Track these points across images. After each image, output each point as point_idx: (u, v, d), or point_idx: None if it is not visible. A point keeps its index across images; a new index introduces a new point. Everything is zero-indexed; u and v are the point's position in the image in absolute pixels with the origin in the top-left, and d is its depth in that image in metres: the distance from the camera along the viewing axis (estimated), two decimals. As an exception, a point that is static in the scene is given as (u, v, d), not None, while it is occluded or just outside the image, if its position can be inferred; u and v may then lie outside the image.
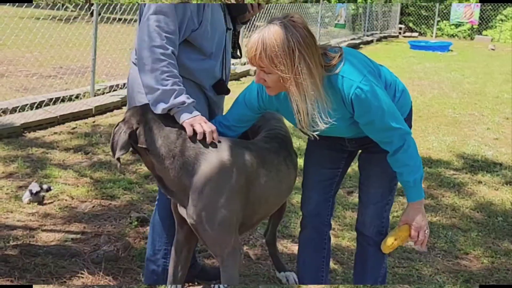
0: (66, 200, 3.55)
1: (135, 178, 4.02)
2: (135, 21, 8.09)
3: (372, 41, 16.13)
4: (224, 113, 2.27)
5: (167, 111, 1.99)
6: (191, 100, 2.01)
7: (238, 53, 2.40)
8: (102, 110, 5.95)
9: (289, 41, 1.77)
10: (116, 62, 8.15)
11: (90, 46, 7.96)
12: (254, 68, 1.90)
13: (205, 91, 2.23)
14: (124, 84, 6.96)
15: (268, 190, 2.11)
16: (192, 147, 1.95)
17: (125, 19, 8.17)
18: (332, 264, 2.77)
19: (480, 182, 4.36)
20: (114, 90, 6.64)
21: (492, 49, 15.27)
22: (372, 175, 2.21)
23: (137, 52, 2.05)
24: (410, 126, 2.19)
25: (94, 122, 5.60)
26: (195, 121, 1.98)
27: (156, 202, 2.41)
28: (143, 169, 4.21)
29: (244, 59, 7.83)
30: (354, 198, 3.85)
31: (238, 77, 8.54)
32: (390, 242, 2.10)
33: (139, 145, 1.97)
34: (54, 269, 2.57)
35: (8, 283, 2.34)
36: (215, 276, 2.57)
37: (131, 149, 1.98)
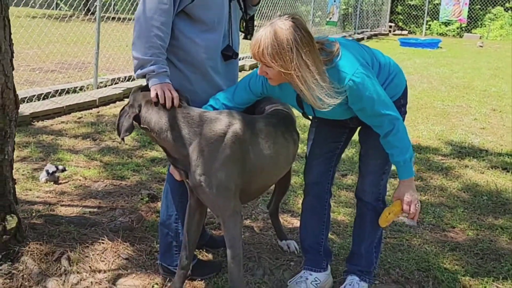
0: (79, 180, 3.78)
1: (142, 161, 4.25)
2: (129, 19, 8.33)
3: (362, 38, 16.40)
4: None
5: (143, 77, 2.24)
6: (162, 69, 2.21)
7: (247, 35, 2.60)
8: (106, 101, 6.17)
9: (288, 40, 1.99)
10: (112, 57, 8.36)
11: (87, 43, 8.18)
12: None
13: (211, 74, 2.39)
14: (125, 78, 7.19)
15: (264, 159, 2.29)
16: (188, 120, 2.19)
17: (119, 18, 8.39)
18: (329, 235, 3.02)
19: (466, 166, 4.63)
20: (115, 83, 6.86)
21: (481, 46, 15.62)
22: (370, 147, 2.43)
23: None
24: (406, 103, 2.44)
25: (98, 112, 5.83)
26: (161, 87, 2.19)
27: (167, 172, 2.63)
28: (149, 153, 4.44)
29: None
30: (348, 180, 4.12)
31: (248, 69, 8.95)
32: (385, 216, 2.35)
33: (141, 125, 2.22)
34: (77, 236, 2.80)
35: (37, 246, 2.57)
36: (223, 243, 2.81)
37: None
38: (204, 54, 2.35)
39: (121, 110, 2.28)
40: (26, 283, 2.39)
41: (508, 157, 4.88)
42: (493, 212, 3.67)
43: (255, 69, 2.33)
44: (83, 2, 17.79)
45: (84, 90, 6.38)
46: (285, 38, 1.98)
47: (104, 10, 9.47)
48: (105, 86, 6.73)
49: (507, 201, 3.87)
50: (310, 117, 2.40)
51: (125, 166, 4.09)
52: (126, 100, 6.41)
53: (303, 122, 4.95)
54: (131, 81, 7.19)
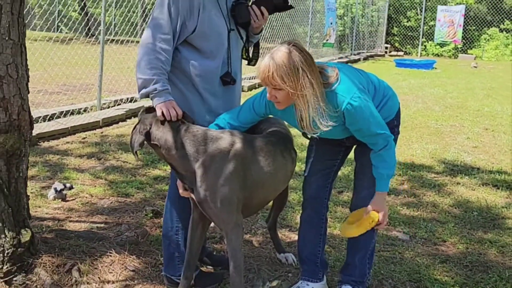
0: (86, 197, 3.94)
1: (145, 179, 4.42)
2: (127, 41, 8.58)
3: (359, 59, 16.71)
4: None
5: (146, 96, 2.43)
6: (164, 88, 2.41)
7: (251, 61, 2.79)
8: (109, 122, 6.36)
9: (295, 61, 2.20)
10: (115, 79, 8.58)
11: (90, 65, 8.40)
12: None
13: (206, 96, 2.59)
14: (128, 99, 7.39)
15: (264, 175, 2.47)
16: (193, 139, 2.37)
17: (119, 40, 8.61)
18: (325, 248, 3.17)
19: (458, 183, 4.80)
20: (118, 104, 7.06)
21: (475, 67, 15.89)
22: (365, 165, 2.59)
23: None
24: (399, 124, 2.64)
25: (102, 132, 6.01)
26: (165, 106, 2.38)
27: (168, 188, 2.81)
28: (152, 172, 4.61)
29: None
30: (344, 197, 4.28)
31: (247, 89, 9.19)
32: (355, 227, 2.52)
33: (151, 141, 2.40)
34: (86, 249, 2.96)
35: (49, 258, 2.73)
36: (218, 263, 2.97)
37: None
38: (200, 78, 2.55)
39: (133, 129, 2.45)
40: (39, 293, 2.54)
41: (499, 175, 5.05)
42: (483, 227, 3.82)
43: (258, 92, 2.52)
44: (83, 25, 18.15)
45: (88, 111, 6.57)
46: (292, 60, 2.19)
47: (108, 33, 9.79)
48: (108, 107, 6.93)
49: (496, 216, 4.03)
50: (309, 136, 2.58)
51: (129, 184, 4.26)
52: (129, 121, 6.64)
53: (300, 142, 5.13)
54: (133, 102, 7.38)
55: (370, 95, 2.40)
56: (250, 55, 2.77)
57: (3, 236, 2.62)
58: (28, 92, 2.78)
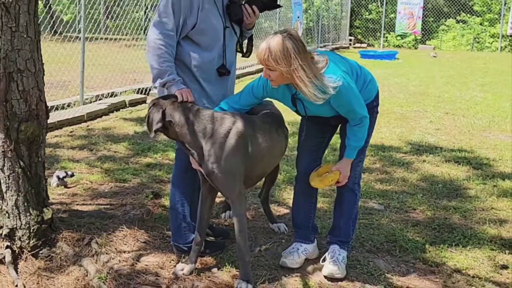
0: (86, 183, 4.23)
1: (139, 167, 4.73)
2: (96, 39, 8.76)
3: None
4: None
5: (163, 85, 2.79)
6: (178, 78, 2.80)
7: (246, 53, 3.16)
8: (93, 116, 6.61)
9: (288, 47, 2.56)
10: (90, 75, 8.77)
11: (61, 63, 8.54)
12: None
13: (203, 85, 2.94)
14: (109, 94, 7.63)
15: (263, 150, 2.84)
16: (202, 119, 2.72)
17: (87, 37, 8.79)
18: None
19: (424, 161, 5.28)
20: (100, 99, 7.31)
21: (434, 56, 16.62)
22: None
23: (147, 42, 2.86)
24: (378, 105, 3.05)
25: (88, 126, 6.26)
26: (183, 92, 2.76)
27: (174, 167, 3.15)
28: (143, 160, 4.93)
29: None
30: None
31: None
32: (319, 180, 2.94)
33: (166, 119, 2.73)
34: (100, 225, 3.28)
35: (69, 233, 3.04)
36: (219, 233, 3.33)
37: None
38: (198, 68, 2.92)
39: (148, 109, 2.76)
40: (64, 263, 2.86)
41: (460, 152, 5.56)
42: (447, 197, 4.30)
43: (256, 78, 2.89)
44: (50, 25, 18.05)
45: (72, 107, 6.80)
46: (286, 46, 2.55)
47: (70, 30, 9.90)
48: (90, 102, 7.16)
49: (459, 187, 4.51)
50: (302, 114, 2.95)
51: (124, 171, 4.56)
52: (112, 115, 6.90)
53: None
54: (114, 97, 7.63)
55: (353, 79, 2.79)
56: (244, 49, 3.14)
57: (28, 214, 2.92)
58: (44, 85, 3.07)
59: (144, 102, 7.85)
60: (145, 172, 4.58)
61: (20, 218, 2.89)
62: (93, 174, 4.48)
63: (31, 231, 2.90)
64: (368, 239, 3.43)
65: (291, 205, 3.37)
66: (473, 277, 3.02)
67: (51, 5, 18.11)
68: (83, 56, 7.00)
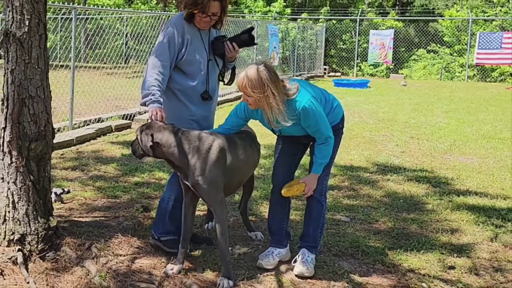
0: (81, 199, 4.64)
1: (128, 185, 5.16)
2: (80, 67, 9.17)
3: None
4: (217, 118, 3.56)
5: (143, 104, 3.31)
6: (156, 98, 3.26)
7: (228, 82, 3.69)
8: (82, 140, 7.03)
9: (262, 78, 3.07)
10: (76, 102, 9.16)
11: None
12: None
13: (188, 105, 3.45)
14: (96, 119, 8.06)
15: (239, 162, 3.32)
16: (187, 139, 3.18)
17: (67, 65, 9.18)
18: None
19: (388, 180, 5.80)
20: (87, 124, 7.73)
21: (404, 85, 17.42)
22: None
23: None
24: (343, 126, 3.56)
25: (77, 149, 6.67)
26: (154, 109, 3.24)
27: (170, 175, 3.63)
28: (132, 179, 5.35)
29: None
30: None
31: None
32: (289, 188, 3.40)
33: (154, 141, 3.19)
34: (97, 233, 3.69)
35: (71, 239, 3.45)
36: (204, 240, 3.77)
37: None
38: (180, 92, 3.45)
39: (138, 134, 3.23)
40: (68, 265, 3.26)
41: (421, 172, 6.11)
42: (407, 210, 4.81)
43: (236, 104, 3.39)
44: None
45: (61, 131, 7.20)
46: (260, 76, 3.05)
47: (56, 59, 10.32)
48: (79, 127, 7.58)
49: (417, 202, 5.04)
50: (276, 133, 3.45)
51: (115, 188, 4.98)
52: (99, 139, 7.33)
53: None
54: (101, 122, 8.06)
55: (322, 104, 3.31)
56: (228, 78, 3.67)
57: (37, 222, 3.33)
58: (51, 109, 3.52)
59: (129, 127, 8.29)
60: (134, 189, 5.01)
61: (29, 225, 3.30)
62: (86, 191, 4.89)
63: (39, 236, 3.31)
64: (334, 245, 3.91)
65: (266, 217, 3.84)
66: (423, 275, 3.50)
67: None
68: (73, 84, 7.44)
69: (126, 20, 18.89)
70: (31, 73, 3.35)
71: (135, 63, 15.44)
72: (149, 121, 3.27)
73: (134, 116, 8.83)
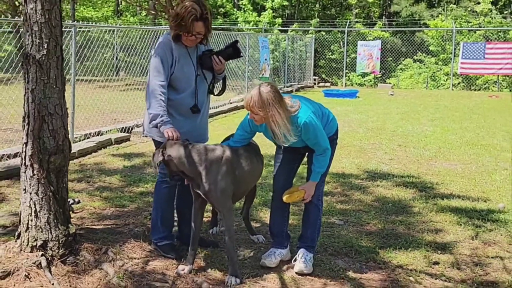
0: (90, 209, 4.94)
1: (133, 195, 5.46)
2: (68, 80, 9.35)
3: (291, 91, 18.27)
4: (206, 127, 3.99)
5: (155, 126, 3.62)
6: (167, 119, 3.59)
7: (219, 93, 4.07)
8: (83, 153, 7.31)
9: (267, 99, 3.39)
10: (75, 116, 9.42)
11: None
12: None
13: (177, 118, 3.75)
14: (96, 133, 8.35)
15: (246, 173, 3.66)
16: (197, 152, 3.51)
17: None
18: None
19: (378, 185, 6.15)
20: (87, 138, 8.01)
21: (391, 95, 17.86)
22: None
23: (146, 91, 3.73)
24: (337, 137, 3.89)
25: (80, 162, 6.95)
26: (170, 130, 3.56)
27: (155, 188, 4.02)
28: (136, 189, 5.65)
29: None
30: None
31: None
32: (290, 194, 3.71)
33: (167, 155, 3.51)
34: (112, 239, 3.99)
35: (89, 245, 3.74)
36: (210, 244, 4.09)
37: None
38: (170, 106, 3.75)
39: (154, 153, 3.55)
40: (88, 268, 3.56)
41: (408, 178, 6.47)
42: (395, 213, 5.15)
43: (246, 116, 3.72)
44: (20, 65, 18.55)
45: (64, 145, 7.47)
46: (266, 98, 3.39)
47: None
48: (80, 140, 7.86)
49: (405, 206, 5.39)
50: (280, 145, 3.77)
51: (121, 198, 5.28)
52: (100, 151, 7.61)
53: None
54: (101, 135, 8.35)
55: (319, 118, 3.65)
56: (220, 89, 4.03)
57: (57, 229, 3.62)
58: (67, 125, 3.83)
59: (128, 139, 8.59)
60: (139, 199, 5.31)
61: (51, 232, 3.60)
62: (94, 201, 5.18)
63: (60, 242, 3.60)
64: (330, 245, 4.24)
65: (267, 221, 4.17)
66: (411, 270, 3.84)
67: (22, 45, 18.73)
68: (74, 99, 7.73)
69: (115, 32, 19.02)
70: (50, 92, 3.65)
71: (126, 76, 15.61)
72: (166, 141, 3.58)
73: (132, 128, 9.13)
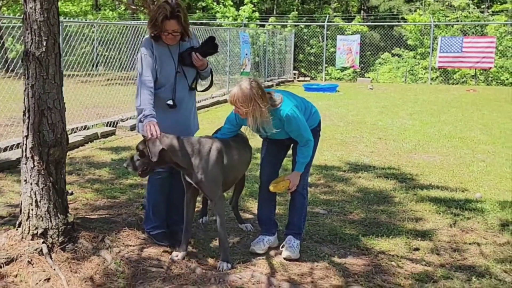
0: (83, 200, 5.08)
1: (123, 187, 5.61)
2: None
3: (272, 85, 18.49)
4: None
5: (139, 121, 3.80)
6: (149, 113, 3.71)
7: (206, 88, 4.29)
8: (71, 147, 7.41)
9: (249, 94, 3.58)
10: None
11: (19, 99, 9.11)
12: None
13: (158, 110, 3.85)
14: (82, 127, 8.45)
15: (235, 161, 3.85)
16: (189, 144, 3.69)
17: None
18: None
19: (360, 177, 6.40)
20: (74, 132, 8.12)
21: (371, 89, 18.21)
22: None
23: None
24: (320, 129, 4.11)
25: (69, 155, 7.05)
26: (148, 124, 3.66)
27: (148, 180, 4.16)
28: (125, 182, 5.81)
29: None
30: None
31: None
32: (276, 184, 3.93)
33: (162, 147, 3.69)
34: (107, 228, 4.16)
35: (86, 233, 3.91)
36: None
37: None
38: (154, 100, 3.87)
39: (148, 144, 3.70)
40: (86, 254, 3.72)
41: (389, 170, 6.74)
42: (377, 203, 5.41)
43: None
44: (4, 60, 18.44)
45: (52, 138, 7.57)
46: (249, 93, 3.58)
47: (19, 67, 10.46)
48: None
49: (386, 196, 5.64)
50: (263, 137, 3.99)
51: (112, 190, 5.44)
52: (87, 145, 7.71)
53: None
54: (87, 129, 8.46)
55: (302, 111, 3.86)
56: (208, 85, 4.25)
57: (57, 218, 3.78)
58: (65, 119, 3.97)
59: (114, 134, 8.71)
60: (130, 190, 5.47)
61: (51, 221, 3.75)
62: (86, 193, 5.33)
63: (59, 230, 3.76)
64: (315, 233, 4.47)
65: (254, 211, 4.37)
66: (393, 256, 4.09)
67: (4, 42, 18.59)
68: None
69: (94, 27, 18.92)
70: (49, 88, 3.80)
71: (105, 71, 15.51)
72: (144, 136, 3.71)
73: (117, 123, 9.25)
